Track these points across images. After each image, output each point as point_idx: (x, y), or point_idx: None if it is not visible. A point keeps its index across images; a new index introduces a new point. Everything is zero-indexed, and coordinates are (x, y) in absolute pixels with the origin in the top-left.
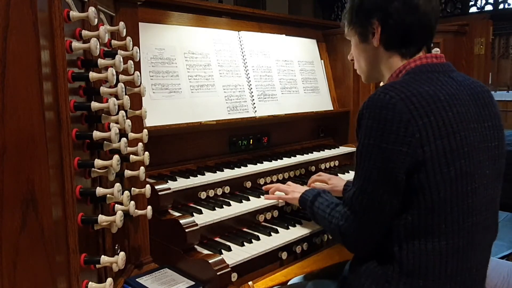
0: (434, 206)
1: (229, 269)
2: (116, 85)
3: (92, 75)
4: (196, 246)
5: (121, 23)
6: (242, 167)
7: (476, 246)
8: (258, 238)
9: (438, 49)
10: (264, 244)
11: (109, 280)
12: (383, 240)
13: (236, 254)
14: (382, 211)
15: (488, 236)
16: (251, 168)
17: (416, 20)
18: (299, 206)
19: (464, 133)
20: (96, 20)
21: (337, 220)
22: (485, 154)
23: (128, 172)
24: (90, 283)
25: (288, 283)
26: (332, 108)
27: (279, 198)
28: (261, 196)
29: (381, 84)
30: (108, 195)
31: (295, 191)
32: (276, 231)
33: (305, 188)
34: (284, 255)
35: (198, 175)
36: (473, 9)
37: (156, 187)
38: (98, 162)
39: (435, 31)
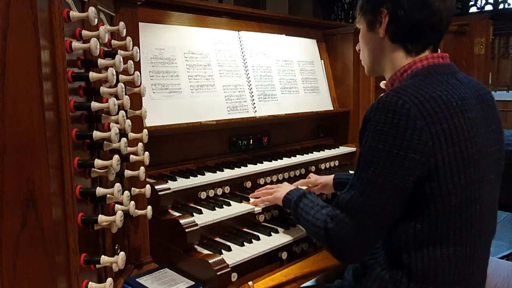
0: (445, 214)
1: (229, 269)
2: (116, 85)
3: (92, 75)
4: (196, 246)
5: (121, 23)
6: (242, 167)
7: (481, 250)
8: (258, 238)
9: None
10: (264, 244)
11: (109, 280)
12: (390, 247)
13: (236, 254)
14: (383, 216)
15: (489, 238)
16: (251, 168)
17: (425, 17)
18: (282, 206)
19: (475, 139)
20: (96, 20)
21: (324, 223)
22: (490, 159)
23: (128, 172)
24: (90, 283)
25: None
26: (332, 108)
27: (263, 201)
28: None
29: (382, 84)
30: (108, 195)
31: (279, 190)
32: (276, 231)
33: (291, 187)
34: (284, 255)
35: (198, 175)
36: (473, 9)
37: (156, 187)
38: (98, 162)
39: (445, 31)
